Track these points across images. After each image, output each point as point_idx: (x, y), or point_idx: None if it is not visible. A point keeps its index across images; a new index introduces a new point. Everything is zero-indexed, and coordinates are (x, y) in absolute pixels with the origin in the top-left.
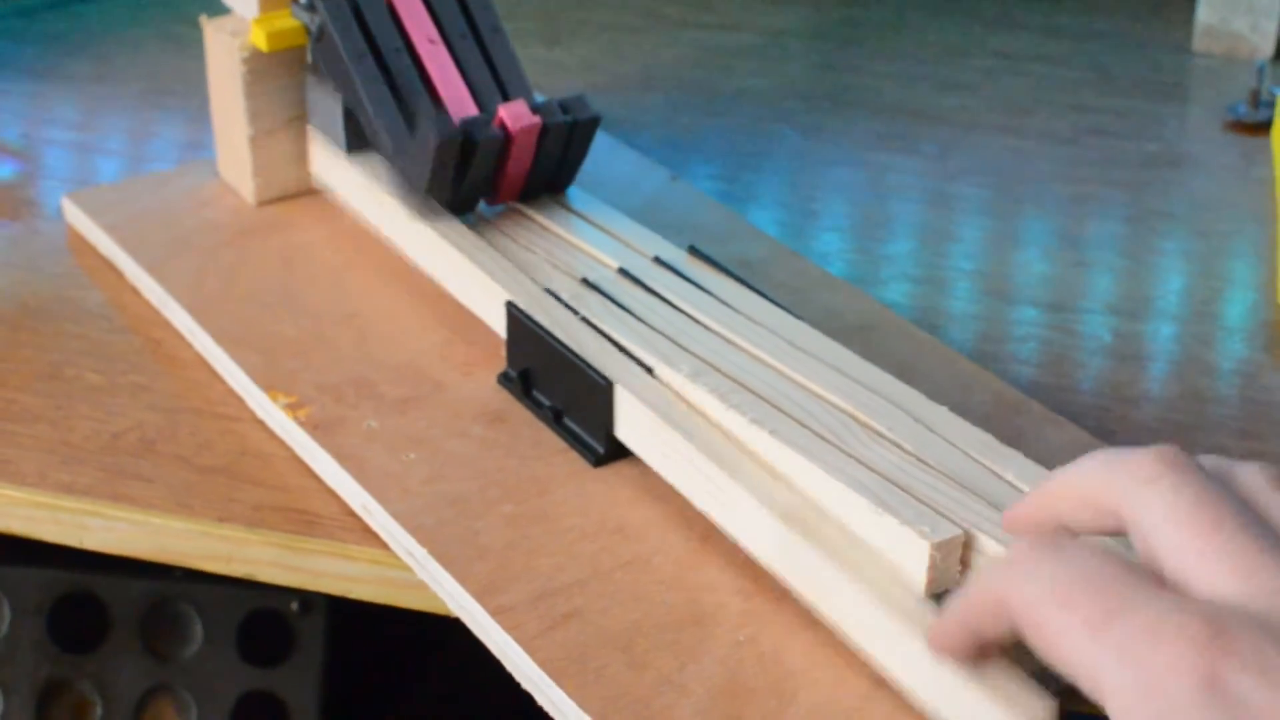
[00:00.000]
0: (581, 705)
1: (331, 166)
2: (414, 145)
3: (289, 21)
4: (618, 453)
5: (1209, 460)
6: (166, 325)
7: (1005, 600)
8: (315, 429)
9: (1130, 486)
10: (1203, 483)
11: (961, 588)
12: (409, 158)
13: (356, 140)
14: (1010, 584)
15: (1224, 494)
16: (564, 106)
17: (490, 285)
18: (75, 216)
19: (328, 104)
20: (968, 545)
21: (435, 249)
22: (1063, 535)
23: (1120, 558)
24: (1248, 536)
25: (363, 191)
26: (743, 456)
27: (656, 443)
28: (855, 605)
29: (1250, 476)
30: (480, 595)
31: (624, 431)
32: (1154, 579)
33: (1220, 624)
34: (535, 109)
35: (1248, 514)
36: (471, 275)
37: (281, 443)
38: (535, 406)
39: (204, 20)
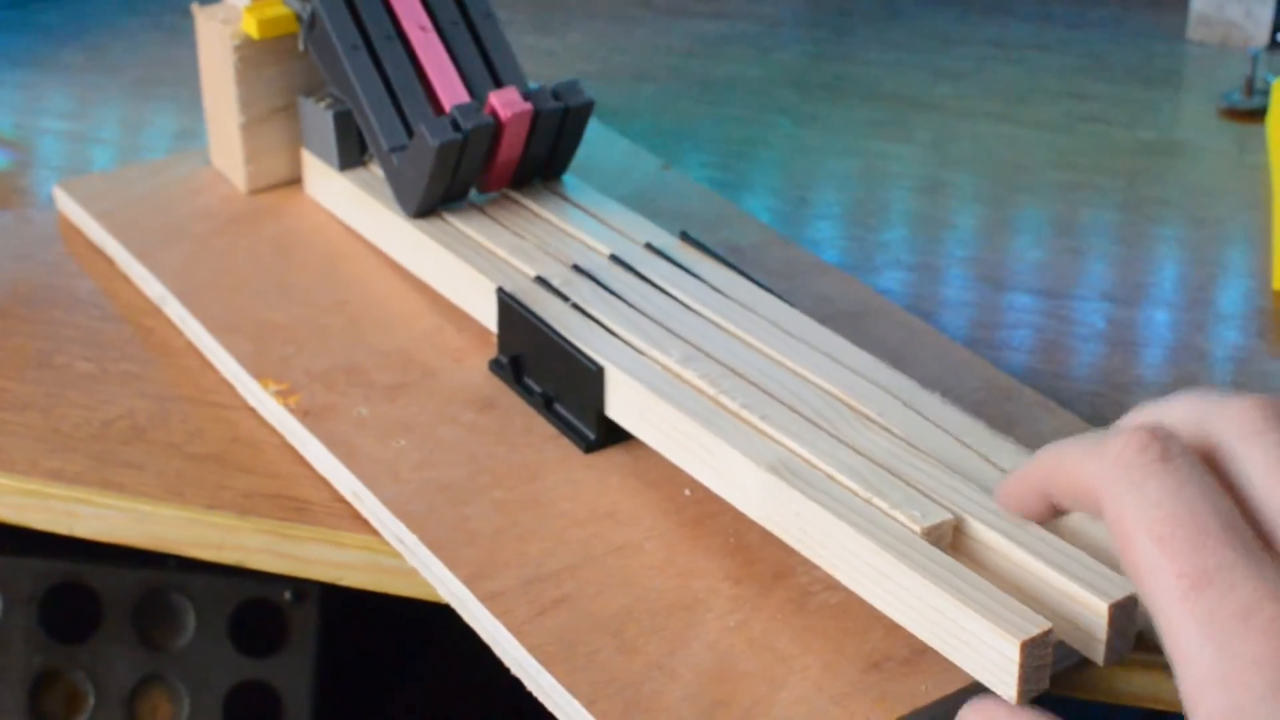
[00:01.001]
0: (571, 690)
1: (321, 181)
2: (412, 146)
3: (280, 9)
4: (609, 439)
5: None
6: (158, 313)
7: (1096, 494)
8: (306, 416)
9: (1232, 435)
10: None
11: (1055, 447)
12: (406, 156)
13: (349, 158)
14: (1109, 482)
15: None
16: (556, 93)
17: (478, 279)
18: (67, 205)
19: (320, 124)
20: (958, 529)
21: (422, 249)
22: (1173, 442)
23: (1231, 504)
24: None
25: (350, 201)
26: (730, 417)
27: (643, 412)
28: (848, 544)
29: None
30: (470, 581)
31: (614, 409)
32: (1260, 540)
33: None
34: (527, 96)
35: None
36: (459, 271)
37: (272, 430)
38: (526, 393)
39: (196, 8)
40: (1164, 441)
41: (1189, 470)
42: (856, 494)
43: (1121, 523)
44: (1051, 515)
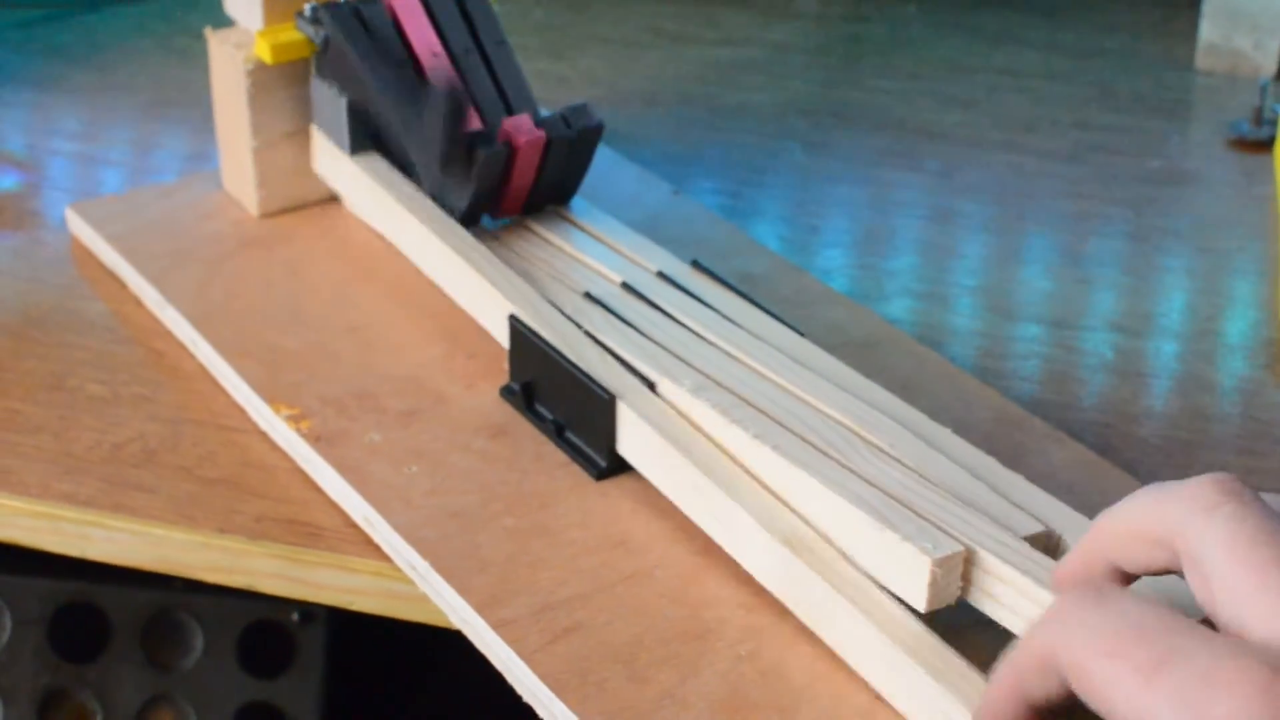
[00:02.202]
0: (582, 718)
1: (336, 167)
2: (426, 117)
3: (293, 34)
4: (620, 467)
5: (1270, 497)
6: (169, 336)
7: (1052, 654)
8: (318, 441)
9: (1187, 515)
10: (1263, 513)
11: (1005, 655)
12: (421, 135)
13: (360, 141)
14: (1056, 636)
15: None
16: (566, 117)
17: (494, 295)
18: (79, 227)
19: (332, 104)
20: (969, 561)
21: (441, 256)
22: (1106, 584)
23: (1167, 605)
24: None
25: (369, 195)
26: (743, 475)
27: (658, 459)
28: (853, 629)
29: None
30: (482, 608)
31: (626, 447)
32: (1203, 625)
33: (1278, 666)
34: (539, 123)
35: None
36: (476, 284)
37: (284, 454)
38: (537, 420)
39: (209, 32)
40: (1095, 586)
41: (1122, 595)
42: (866, 529)
43: (1075, 664)
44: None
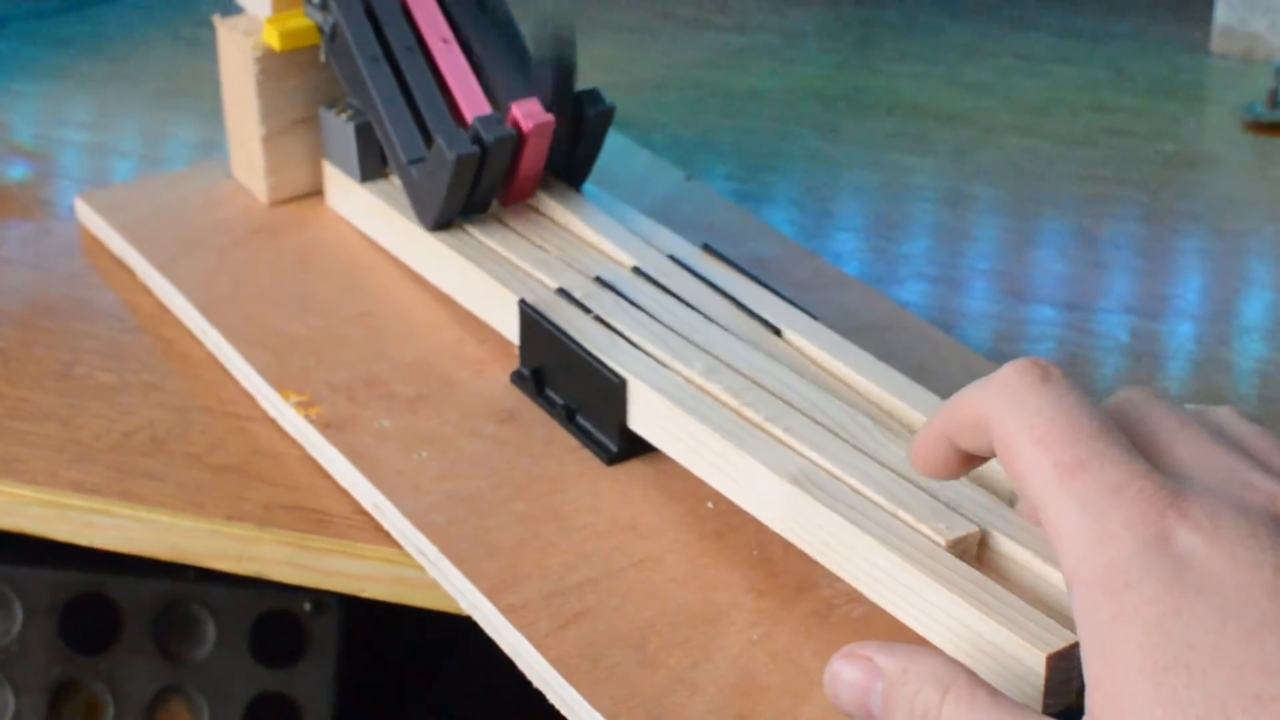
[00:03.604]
0: (593, 703)
1: (342, 193)
2: (430, 158)
3: (302, 21)
4: (630, 451)
5: (1191, 406)
6: (178, 324)
7: (985, 420)
8: (327, 428)
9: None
10: (1169, 402)
11: (948, 399)
12: (424, 168)
13: (370, 170)
14: (993, 405)
15: (1196, 412)
16: (578, 101)
17: (500, 291)
18: (88, 216)
19: (342, 136)
20: (983, 543)
21: (444, 261)
22: (1053, 366)
23: (1101, 409)
24: (1211, 438)
25: (371, 213)
26: (752, 429)
27: (668, 427)
28: (872, 557)
29: (1223, 413)
30: (492, 594)
31: (636, 421)
32: (1128, 440)
33: (1179, 490)
34: (549, 107)
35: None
36: (481, 283)
37: (293, 441)
38: (548, 405)
39: (217, 20)
40: (1043, 366)
41: (1066, 385)
42: (881, 506)
43: (1005, 437)
44: (960, 464)
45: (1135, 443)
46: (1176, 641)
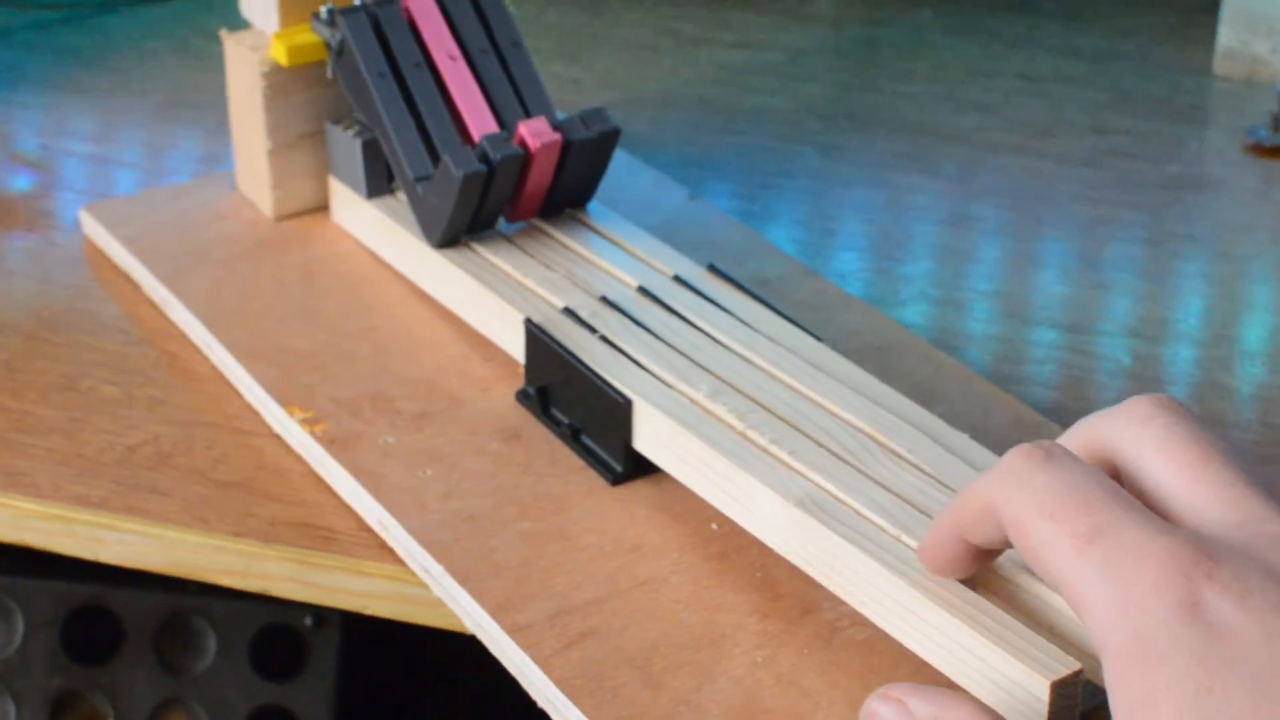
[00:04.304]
0: None
1: (348, 209)
2: (437, 176)
3: (309, 36)
4: (635, 471)
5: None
6: (183, 338)
7: (994, 506)
8: (332, 444)
9: (1124, 426)
10: (1193, 421)
11: (954, 498)
12: (430, 186)
13: (376, 186)
14: (999, 490)
15: (1215, 434)
16: (584, 120)
17: (506, 309)
18: (92, 228)
19: (348, 152)
20: (987, 567)
21: (449, 279)
22: (1056, 445)
23: (1109, 478)
24: (1235, 470)
25: (377, 229)
26: (758, 452)
27: (673, 448)
28: (877, 580)
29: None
30: (496, 613)
31: (641, 442)
32: (1141, 504)
33: (1204, 549)
34: (556, 126)
35: (1238, 454)
36: (487, 301)
37: (298, 458)
38: (553, 424)
39: (224, 34)
40: (1045, 447)
41: (1070, 460)
42: (885, 530)
43: (1014, 517)
44: (972, 560)
45: (1153, 488)
46: None
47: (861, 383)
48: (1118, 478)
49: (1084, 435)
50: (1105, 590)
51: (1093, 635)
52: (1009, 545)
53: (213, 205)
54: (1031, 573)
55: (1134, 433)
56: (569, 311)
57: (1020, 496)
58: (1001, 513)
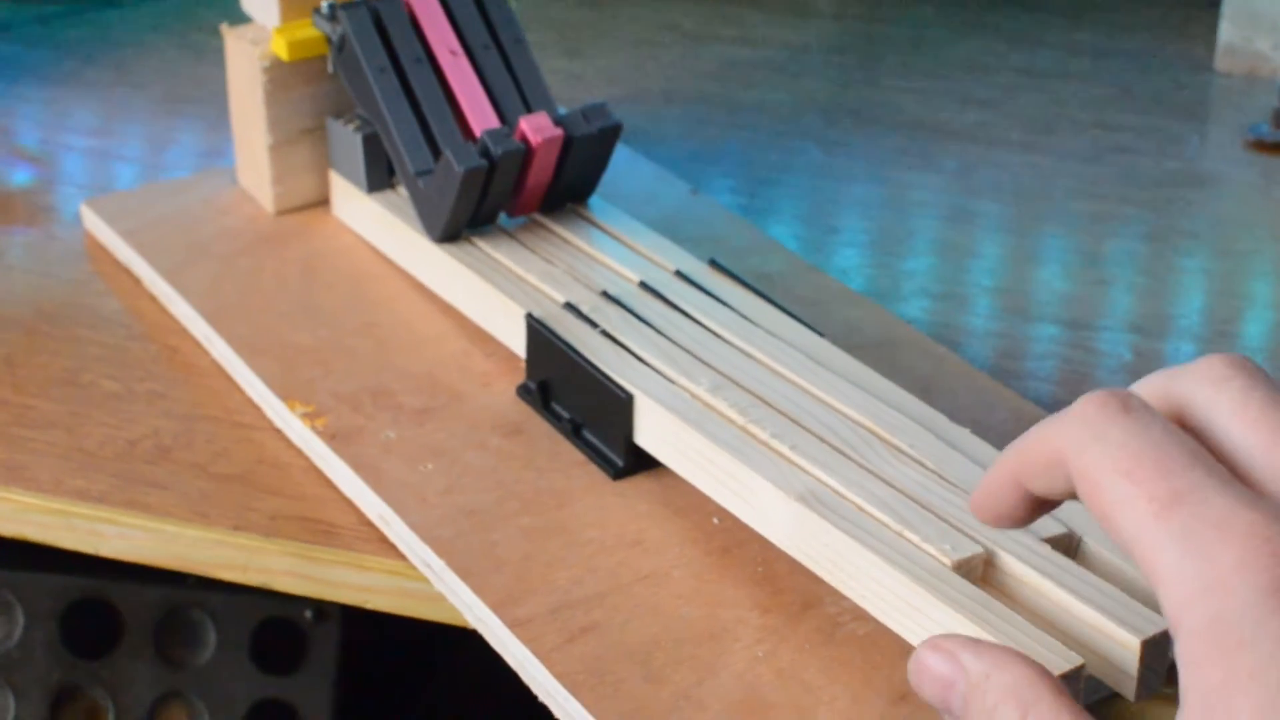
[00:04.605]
0: (598, 718)
1: (349, 203)
2: (438, 171)
3: (310, 31)
4: (636, 466)
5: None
6: (183, 333)
7: (1064, 456)
8: (333, 438)
9: (1198, 387)
10: (1272, 384)
11: (1015, 440)
12: (432, 180)
13: (377, 180)
14: (1072, 440)
15: None
16: (585, 116)
17: (507, 304)
18: (93, 223)
19: (349, 146)
20: (989, 563)
21: (450, 273)
22: (1133, 396)
23: (1195, 442)
24: None
25: (378, 224)
26: (759, 447)
27: (675, 443)
28: (878, 576)
29: None
30: (498, 607)
31: (643, 436)
32: (1225, 470)
33: None
34: (557, 121)
35: None
36: (488, 296)
37: (299, 452)
38: (554, 419)
39: (225, 29)
40: (1122, 396)
41: (1149, 415)
42: (887, 526)
43: (1087, 472)
44: (1031, 509)
45: (1229, 452)
46: None
47: (863, 378)
48: (1190, 430)
49: (1153, 391)
50: (1183, 564)
51: (1165, 608)
52: (1072, 497)
53: (213, 200)
54: (1035, 570)
55: (1208, 393)
56: (570, 306)
57: (1094, 450)
58: (1072, 464)
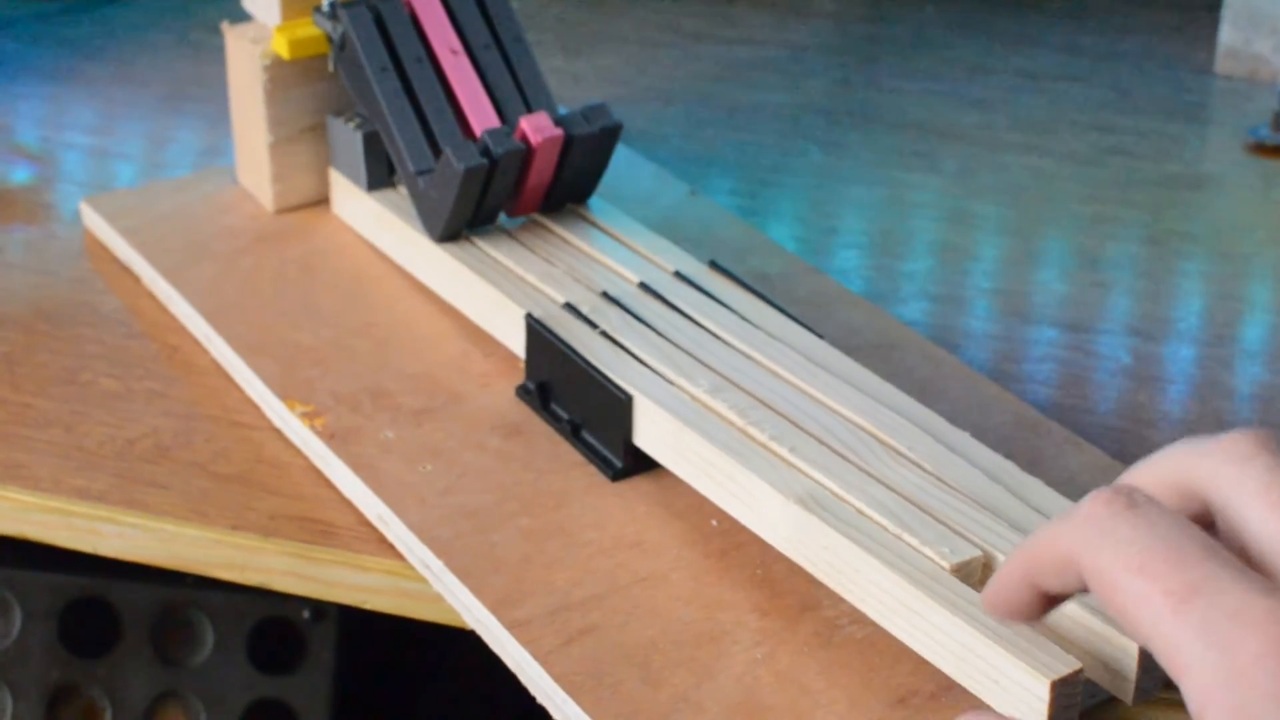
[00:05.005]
0: None
1: (349, 201)
2: (438, 170)
3: (311, 29)
4: (635, 467)
5: None
6: (183, 331)
7: (1075, 557)
8: (332, 438)
9: (1221, 465)
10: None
11: (1026, 539)
12: (432, 179)
13: (377, 178)
14: (1082, 540)
15: None
16: (585, 116)
17: (506, 304)
18: (93, 221)
19: (349, 145)
20: (987, 566)
21: (450, 273)
22: (1138, 491)
23: (1206, 534)
24: None
25: (378, 223)
26: (758, 449)
27: (674, 444)
28: (877, 579)
29: None
30: (496, 609)
31: (642, 438)
32: (1238, 558)
33: None
34: (558, 121)
35: None
36: (487, 296)
37: (298, 451)
38: (553, 419)
39: (225, 27)
40: (1128, 493)
41: (1156, 509)
42: (885, 529)
43: (1100, 572)
44: (1042, 605)
45: (1251, 536)
46: None
47: (862, 380)
48: (1208, 520)
49: (1172, 468)
50: (1205, 656)
51: (1188, 700)
52: (1084, 591)
53: (213, 198)
54: None
55: (1232, 472)
56: (570, 307)
57: (1105, 549)
58: (1084, 564)
